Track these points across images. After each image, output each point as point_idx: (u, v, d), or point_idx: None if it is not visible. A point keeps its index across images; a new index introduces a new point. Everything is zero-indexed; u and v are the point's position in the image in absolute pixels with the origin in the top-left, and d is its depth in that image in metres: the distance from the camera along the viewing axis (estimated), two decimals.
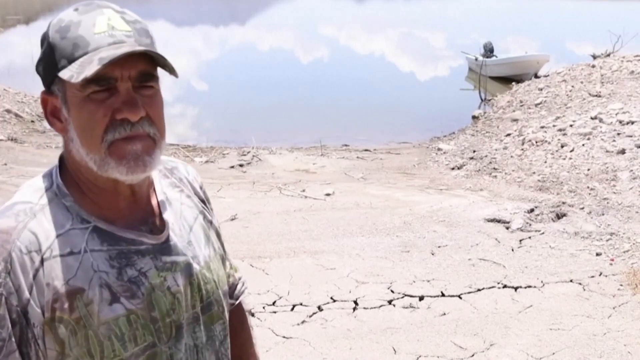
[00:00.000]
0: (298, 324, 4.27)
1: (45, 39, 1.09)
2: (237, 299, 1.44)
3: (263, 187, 7.75)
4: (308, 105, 15.30)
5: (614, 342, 4.02)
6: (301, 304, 4.55)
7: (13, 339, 1.04)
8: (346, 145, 11.19)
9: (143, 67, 1.07)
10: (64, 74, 1.04)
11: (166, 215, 1.20)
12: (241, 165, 9.40)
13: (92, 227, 1.10)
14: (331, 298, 4.65)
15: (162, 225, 1.18)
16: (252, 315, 4.35)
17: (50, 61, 1.07)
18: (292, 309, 4.47)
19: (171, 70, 1.09)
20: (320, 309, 4.49)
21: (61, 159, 1.17)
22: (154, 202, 1.20)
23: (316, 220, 6.35)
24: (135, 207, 1.17)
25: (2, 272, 1.03)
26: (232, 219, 6.32)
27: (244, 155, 10.00)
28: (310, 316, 4.39)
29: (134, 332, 1.10)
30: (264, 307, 4.48)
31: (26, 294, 1.04)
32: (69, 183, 1.14)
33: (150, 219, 1.18)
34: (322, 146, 10.54)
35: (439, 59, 24.08)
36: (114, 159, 1.07)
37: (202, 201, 1.32)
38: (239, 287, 1.46)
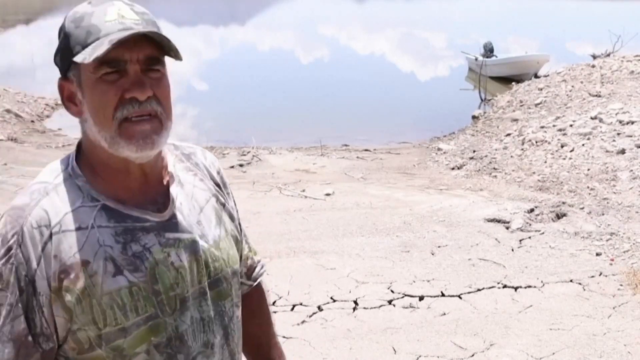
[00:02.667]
0: (298, 324, 4.26)
1: (61, 30, 1.19)
2: (255, 281, 1.52)
3: (263, 187, 7.75)
4: (308, 105, 15.30)
5: (614, 342, 4.02)
6: (301, 304, 4.54)
7: (20, 305, 1.13)
8: (346, 145, 11.19)
9: (150, 51, 1.16)
10: (78, 58, 1.13)
11: (174, 195, 1.26)
12: (241, 165, 9.40)
13: (100, 205, 1.19)
14: (331, 298, 4.65)
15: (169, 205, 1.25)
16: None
17: (66, 49, 1.17)
18: (292, 309, 4.47)
19: (176, 54, 1.18)
20: (320, 309, 4.49)
21: (79, 145, 1.26)
22: (165, 183, 1.27)
23: (316, 220, 6.35)
24: (147, 188, 1.24)
25: (14, 244, 1.13)
26: None
27: (244, 155, 10.00)
28: (310, 316, 4.39)
29: (136, 303, 1.17)
30: None
31: (34, 265, 1.13)
32: (84, 165, 1.22)
33: (160, 199, 1.25)
34: (322, 146, 10.54)
35: (439, 59, 24.09)
36: (123, 138, 1.15)
37: (218, 185, 1.38)
38: (257, 269, 1.52)
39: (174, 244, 1.22)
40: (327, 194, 7.31)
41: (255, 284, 1.52)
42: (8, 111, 11.99)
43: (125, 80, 1.14)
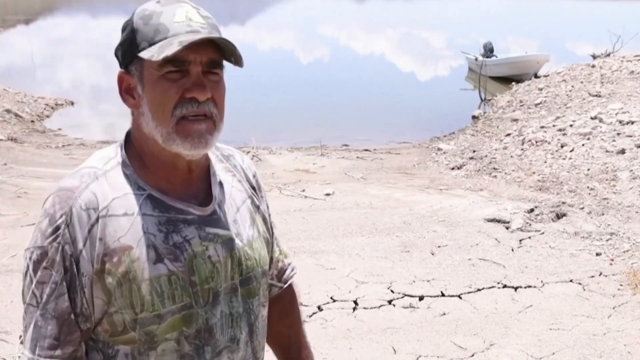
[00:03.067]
0: None
1: (128, 25, 1.24)
2: (285, 283, 1.56)
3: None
4: (308, 105, 15.30)
5: (614, 342, 4.02)
6: (301, 304, 4.53)
7: (64, 283, 1.18)
8: (346, 145, 11.18)
9: (213, 55, 1.21)
10: (145, 54, 1.18)
11: (215, 193, 1.31)
12: None
13: (147, 195, 1.23)
14: (331, 298, 4.65)
15: (211, 201, 1.30)
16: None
17: (132, 43, 1.22)
18: None
19: (237, 60, 1.23)
20: (320, 309, 4.49)
21: (127, 135, 1.30)
22: (206, 181, 1.32)
23: (316, 220, 6.35)
24: (190, 183, 1.29)
25: (62, 224, 1.17)
26: None
27: None
28: (310, 316, 4.39)
29: (173, 291, 1.21)
30: None
31: (80, 245, 1.17)
32: (133, 156, 1.27)
33: (201, 195, 1.30)
34: (322, 146, 10.54)
35: (439, 59, 24.10)
36: (180, 136, 1.20)
37: (253, 188, 1.43)
38: (288, 271, 1.56)
39: (213, 239, 1.27)
40: (327, 194, 7.31)
41: (287, 285, 1.56)
42: (8, 111, 11.98)
43: (186, 80, 1.19)
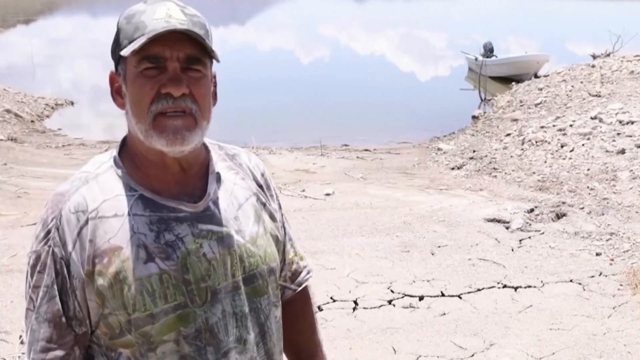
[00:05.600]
0: None
1: (117, 26, 1.25)
2: (299, 286, 1.50)
3: None
4: (308, 105, 15.29)
5: (614, 342, 4.02)
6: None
7: (55, 286, 1.19)
8: (346, 145, 11.18)
9: (191, 50, 1.20)
10: (123, 52, 1.19)
11: (210, 190, 1.29)
12: None
13: (138, 195, 1.23)
14: (331, 298, 4.65)
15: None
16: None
17: (117, 43, 1.23)
18: None
19: (212, 54, 1.22)
20: (320, 309, 4.49)
21: (125, 137, 1.31)
22: (205, 179, 1.31)
23: (316, 220, 6.35)
24: (185, 181, 1.28)
25: (53, 227, 1.19)
26: None
27: None
28: None
29: (165, 290, 1.19)
30: None
31: (70, 247, 1.18)
32: (126, 157, 1.27)
33: (197, 193, 1.28)
34: (322, 146, 10.54)
35: (439, 59, 24.09)
36: (156, 131, 1.19)
37: (260, 186, 1.40)
38: (302, 274, 1.51)
39: (207, 236, 1.25)
40: (327, 194, 7.31)
41: (300, 288, 1.51)
42: (8, 111, 11.98)
43: (163, 76, 1.18)
